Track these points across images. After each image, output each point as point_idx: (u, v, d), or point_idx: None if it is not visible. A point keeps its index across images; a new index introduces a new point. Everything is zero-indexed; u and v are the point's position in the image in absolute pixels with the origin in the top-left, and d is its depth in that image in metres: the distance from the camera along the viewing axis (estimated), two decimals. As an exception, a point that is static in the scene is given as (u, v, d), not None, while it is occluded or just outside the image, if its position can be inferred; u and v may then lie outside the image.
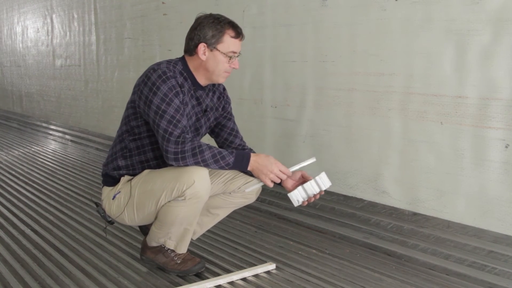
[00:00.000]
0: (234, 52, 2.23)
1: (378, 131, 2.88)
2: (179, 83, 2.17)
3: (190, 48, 2.24)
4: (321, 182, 2.20)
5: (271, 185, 2.18)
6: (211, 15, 2.24)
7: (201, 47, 2.20)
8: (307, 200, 2.22)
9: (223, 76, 2.27)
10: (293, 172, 2.25)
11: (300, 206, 2.24)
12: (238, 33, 2.23)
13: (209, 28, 2.19)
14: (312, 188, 2.19)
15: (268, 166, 2.16)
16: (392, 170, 2.84)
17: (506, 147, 2.36)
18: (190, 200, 2.12)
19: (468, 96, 2.46)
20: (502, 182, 2.38)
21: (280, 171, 2.17)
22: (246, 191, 2.36)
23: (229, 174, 2.43)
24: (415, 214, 2.75)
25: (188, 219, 2.24)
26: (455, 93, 2.51)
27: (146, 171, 2.28)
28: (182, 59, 2.29)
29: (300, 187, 2.19)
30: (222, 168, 2.13)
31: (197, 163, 2.09)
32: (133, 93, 2.25)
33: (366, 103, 2.92)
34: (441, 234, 2.58)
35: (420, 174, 2.70)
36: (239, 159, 2.14)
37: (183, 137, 2.08)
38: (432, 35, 2.57)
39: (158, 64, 2.22)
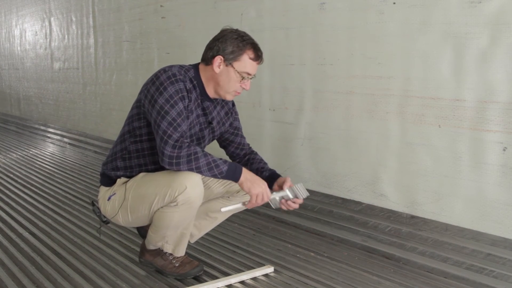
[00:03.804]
0: (249, 74, 2.21)
1: (376, 134, 2.88)
2: (187, 88, 2.16)
3: (207, 58, 2.22)
4: (298, 192, 2.26)
5: (254, 202, 2.17)
6: (236, 31, 2.21)
7: (218, 59, 2.18)
8: (285, 206, 2.28)
9: (231, 94, 2.25)
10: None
11: (279, 209, 2.31)
12: (258, 56, 2.21)
13: (231, 43, 2.16)
14: (288, 195, 2.26)
15: (259, 181, 2.18)
16: (390, 173, 2.84)
17: (504, 150, 2.36)
18: (183, 205, 2.12)
19: (466, 99, 2.47)
20: (500, 185, 2.39)
21: (263, 198, 2.19)
22: (222, 210, 2.29)
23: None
24: (413, 217, 2.75)
25: (183, 224, 2.24)
26: (453, 96, 2.51)
27: (141, 174, 2.27)
28: (196, 67, 2.27)
29: (275, 193, 2.27)
30: (215, 176, 2.12)
31: (190, 170, 2.07)
32: (140, 92, 2.24)
33: (364, 106, 2.93)
34: (439, 237, 2.58)
35: (418, 177, 2.71)
36: (232, 168, 2.14)
37: (181, 142, 2.06)
38: (430, 38, 2.58)
39: (170, 66, 2.20)
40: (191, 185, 2.09)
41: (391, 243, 2.70)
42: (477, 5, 2.38)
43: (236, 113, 2.50)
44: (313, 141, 3.26)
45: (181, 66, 2.22)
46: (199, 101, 2.25)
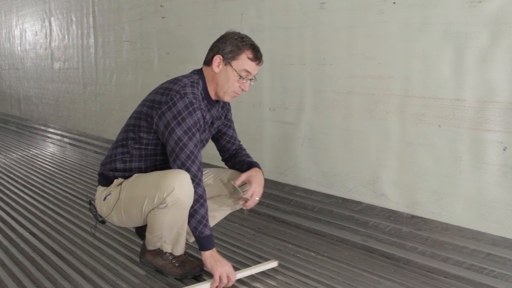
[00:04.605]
0: (248, 73, 2.21)
1: (376, 134, 2.88)
2: (204, 115, 2.21)
3: (208, 58, 2.24)
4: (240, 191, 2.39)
5: (218, 281, 2.20)
6: (238, 33, 2.24)
7: (217, 58, 2.19)
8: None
9: (230, 95, 2.25)
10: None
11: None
12: (257, 57, 2.22)
13: (230, 43, 2.19)
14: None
15: (223, 262, 2.21)
16: (390, 173, 2.84)
17: (504, 149, 2.36)
18: (173, 206, 2.12)
19: (466, 99, 2.47)
20: (500, 184, 2.39)
21: (229, 278, 2.22)
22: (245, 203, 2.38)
23: (226, 176, 2.45)
24: (413, 216, 2.75)
25: (177, 224, 2.24)
26: (453, 96, 2.51)
27: (135, 175, 2.28)
28: (201, 73, 2.27)
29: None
30: (194, 230, 2.16)
31: (191, 208, 2.15)
32: (151, 107, 2.19)
33: (364, 106, 2.93)
34: (439, 236, 2.58)
35: (418, 177, 2.71)
36: (209, 239, 2.19)
37: (199, 179, 2.15)
38: (430, 38, 2.58)
39: (183, 86, 2.15)
40: (179, 186, 2.09)
41: (391, 243, 2.70)
42: (477, 4, 2.38)
43: (229, 105, 2.51)
44: (313, 141, 3.26)
45: (192, 84, 2.18)
46: (206, 110, 2.27)
